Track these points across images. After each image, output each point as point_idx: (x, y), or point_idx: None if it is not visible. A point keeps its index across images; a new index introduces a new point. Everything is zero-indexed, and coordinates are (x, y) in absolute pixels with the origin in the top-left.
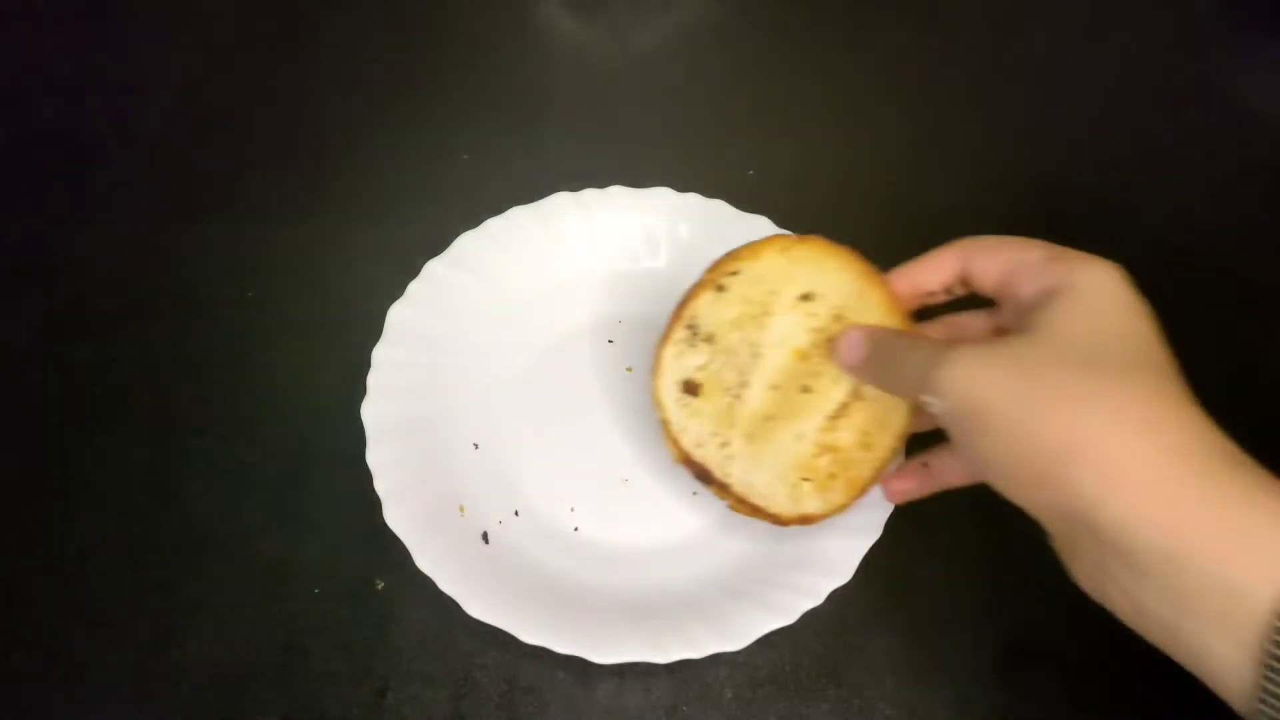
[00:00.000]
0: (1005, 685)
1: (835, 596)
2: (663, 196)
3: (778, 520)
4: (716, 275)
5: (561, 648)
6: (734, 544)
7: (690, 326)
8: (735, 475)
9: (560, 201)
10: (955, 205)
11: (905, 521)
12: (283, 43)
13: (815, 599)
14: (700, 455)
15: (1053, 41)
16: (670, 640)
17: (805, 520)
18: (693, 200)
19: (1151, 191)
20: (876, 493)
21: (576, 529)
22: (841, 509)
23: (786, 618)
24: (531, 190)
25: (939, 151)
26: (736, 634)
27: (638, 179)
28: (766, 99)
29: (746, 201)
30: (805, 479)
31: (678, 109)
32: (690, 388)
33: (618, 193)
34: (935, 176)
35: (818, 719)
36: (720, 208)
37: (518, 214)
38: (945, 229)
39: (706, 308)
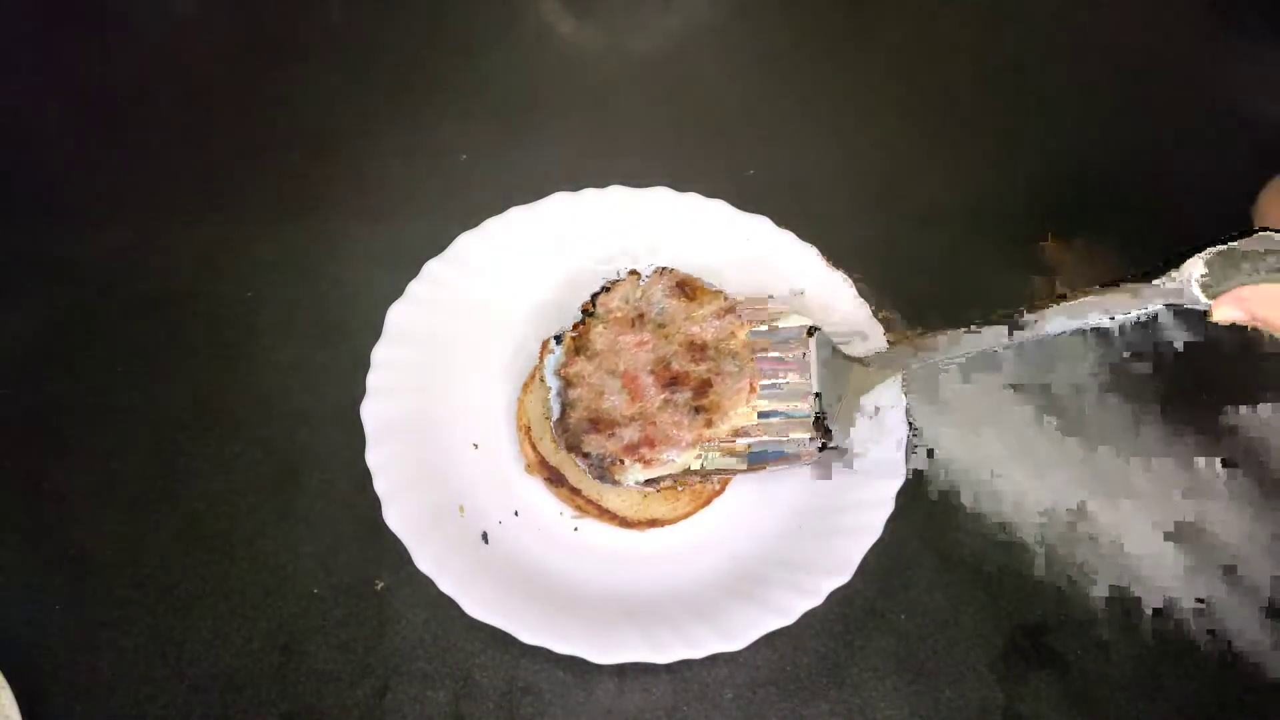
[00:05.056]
0: (1005, 685)
1: (835, 596)
2: (663, 196)
3: (625, 523)
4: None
5: (561, 648)
6: (734, 544)
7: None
8: (588, 483)
9: (560, 202)
10: (954, 205)
11: (905, 521)
12: (283, 43)
13: (815, 599)
14: (556, 461)
15: (1051, 42)
16: (670, 640)
17: (653, 523)
18: (693, 200)
19: (1150, 190)
20: (878, 493)
21: (576, 529)
22: (687, 516)
23: (786, 618)
24: (531, 190)
25: (938, 151)
26: (736, 634)
27: (638, 179)
28: (766, 99)
29: (746, 201)
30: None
31: (677, 109)
32: None
33: (618, 193)
34: (934, 176)
35: (817, 719)
36: (720, 208)
37: (517, 214)
38: (944, 228)
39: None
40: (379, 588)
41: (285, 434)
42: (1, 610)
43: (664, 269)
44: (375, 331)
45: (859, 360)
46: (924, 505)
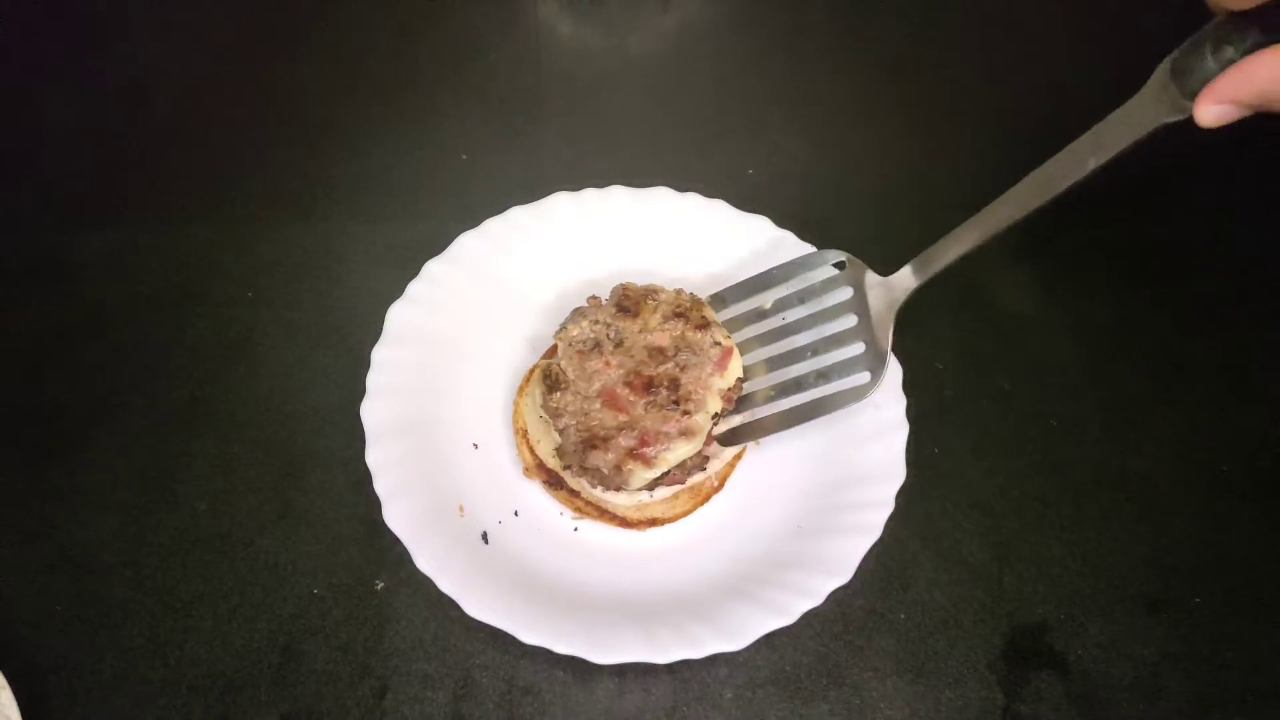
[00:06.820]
0: (1005, 685)
1: (835, 596)
2: (663, 196)
3: (625, 523)
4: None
5: (561, 648)
6: (734, 544)
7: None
8: (586, 485)
9: (560, 201)
10: (953, 205)
11: (905, 521)
12: (282, 44)
13: (815, 599)
14: (553, 464)
15: (1050, 43)
16: (670, 640)
17: (653, 523)
18: (693, 200)
19: (1148, 190)
20: (878, 493)
21: (576, 529)
22: (686, 514)
23: (786, 618)
24: (531, 190)
25: (937, 151)
26: (736, 634)
27: (638, 179)
28: (765, 99)
29: (746, 201)
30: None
31: (677, 109)
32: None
33: (617, 193)
34: (933, 176)
35: (817, 719)
36: (720, 208)
37: (517, 214)
38: (944, 227)
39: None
40: (379, 588)
41: (285, 434)
42: (1, 610)
43: (591, 301)
44: (375, 331)
45: (893, 273)
46: (924, 505)
